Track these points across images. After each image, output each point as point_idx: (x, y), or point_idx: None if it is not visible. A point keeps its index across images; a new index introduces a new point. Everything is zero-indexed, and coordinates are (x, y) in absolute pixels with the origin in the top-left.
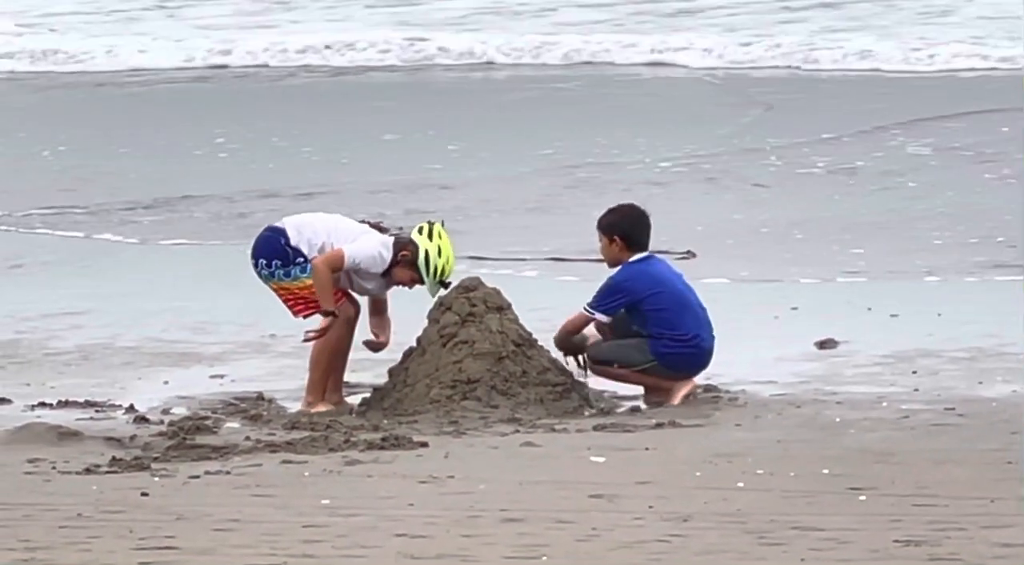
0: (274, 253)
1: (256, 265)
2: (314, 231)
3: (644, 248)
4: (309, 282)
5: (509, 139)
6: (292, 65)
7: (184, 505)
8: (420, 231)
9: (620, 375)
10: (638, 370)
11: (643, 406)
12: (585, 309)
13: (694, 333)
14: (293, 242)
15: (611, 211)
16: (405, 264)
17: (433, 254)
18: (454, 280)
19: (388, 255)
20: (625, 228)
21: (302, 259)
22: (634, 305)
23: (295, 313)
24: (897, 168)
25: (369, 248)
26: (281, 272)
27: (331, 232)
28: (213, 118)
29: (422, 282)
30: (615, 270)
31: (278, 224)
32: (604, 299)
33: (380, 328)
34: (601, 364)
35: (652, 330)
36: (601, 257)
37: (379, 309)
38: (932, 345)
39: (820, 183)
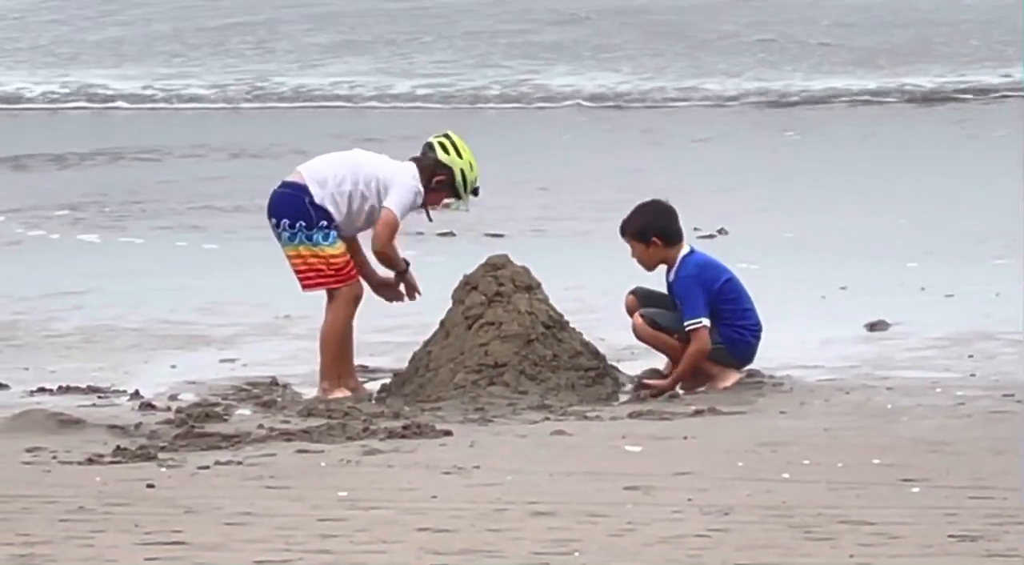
0: (298, 213)
1: (278, 225)
2: (338, 181)
3: (682, 238)
4: (327, 252)
5: None
6: None
7: (192, 497)
8: (445, 150)
9: (672, 346)
10: None
11: (681, 392)
12: (692, 326)
13: (758, 323)
14: (317, 200)
15: (637, 213)
16: (441, 189)
17: (467, 170)
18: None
19: (421, 187)
20: (661, 226)
21: (325, 223)
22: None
23: (304, 285)
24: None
25: (406, 193)
26: (303, 235)
27: (357, 176)
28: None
29: (453, 199)
30: (674, 272)
31: (295, 179)
32: (695, 304)
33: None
34: (662, 330)
35: (724, 316)
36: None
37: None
38: (990, 327)
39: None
